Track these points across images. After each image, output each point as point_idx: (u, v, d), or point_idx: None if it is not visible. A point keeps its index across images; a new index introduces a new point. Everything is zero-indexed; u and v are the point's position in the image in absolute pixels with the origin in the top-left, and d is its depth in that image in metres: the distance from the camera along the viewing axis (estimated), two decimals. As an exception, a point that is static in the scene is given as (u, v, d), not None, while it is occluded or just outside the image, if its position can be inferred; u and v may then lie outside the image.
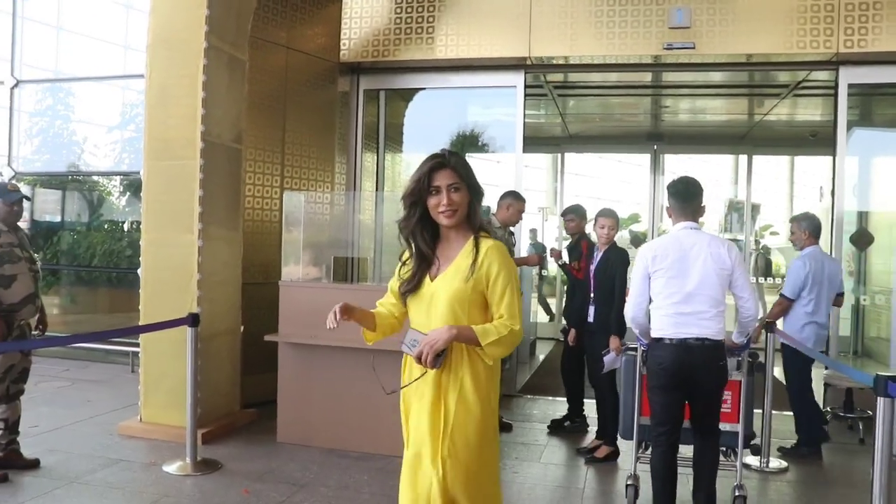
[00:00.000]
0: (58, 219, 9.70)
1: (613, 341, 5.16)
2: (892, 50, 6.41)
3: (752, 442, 4.46)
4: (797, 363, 5.51)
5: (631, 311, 3.95)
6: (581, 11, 6.81)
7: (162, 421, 5.60)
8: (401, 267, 2.75)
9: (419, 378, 2.59)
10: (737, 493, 4.12)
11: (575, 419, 6.18)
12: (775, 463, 5.30)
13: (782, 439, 5.90)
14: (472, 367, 2.56)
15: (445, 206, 2.52)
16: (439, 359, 2.48)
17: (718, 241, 3.86)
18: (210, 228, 5.65)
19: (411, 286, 2.65)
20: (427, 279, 2.63)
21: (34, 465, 4.86)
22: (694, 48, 6.59)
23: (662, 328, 3.79)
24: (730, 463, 4.21)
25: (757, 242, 17.79)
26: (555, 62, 7.20)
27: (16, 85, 8.97)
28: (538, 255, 6.71)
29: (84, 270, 9.22)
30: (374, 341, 2.81)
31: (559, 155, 11.77)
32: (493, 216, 5.95)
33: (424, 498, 2.54)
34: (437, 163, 2.55)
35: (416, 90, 8.22)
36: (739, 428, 4.11)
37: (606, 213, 5.38)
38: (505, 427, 5.99)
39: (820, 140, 10.83)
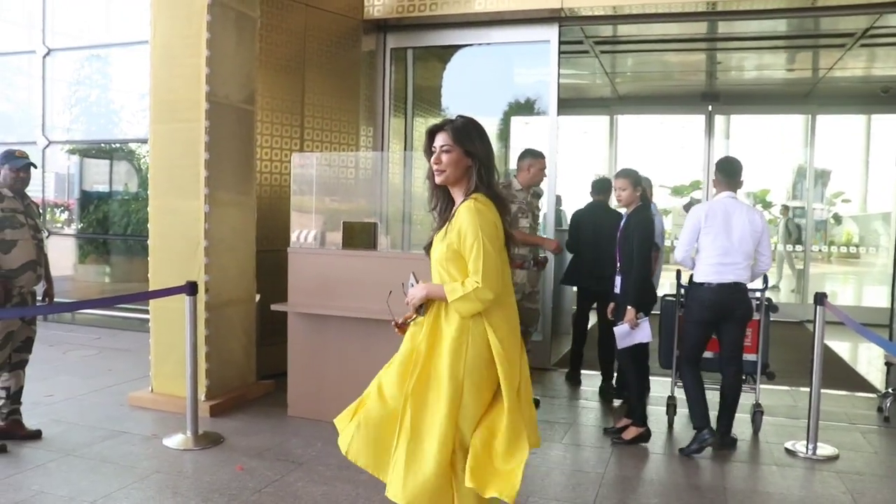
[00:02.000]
0: (96, 188, 9.68)
1: (628, 313, 4.76)
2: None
3: (768, 370, 5.30)
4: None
5: (680, 255, 4.90)
6: (618, -44, 6.28)
7: (172, 392, 5.42)
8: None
9: (412, 320, 2.86)
10: (755, 410, 5.26)
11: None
12: (824, 450, 4.80)
13: (836, 422, 5.40)
14: (448, 323, 2.70)
15: (435, 167, 2.73)
16: (421, 309, 2.77)
17: (753, 209, 4.91)
18: (218, 193, 5.41)
19: (427, 244, 2.89)
20: (435, 238, 2.83)
21: (36, 435, 4.74)
22: (742, -7, 6.00)
23: (706, 275, 4.72)
24: (750, 386, 5.27)
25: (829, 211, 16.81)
26: (590, 13, 6.66)
27: (47, 53, 8.91)
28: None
29: (119, 239, 9.17)
30: None
31: (609, 118, 11.18)
32: (515, 178, 5.55)
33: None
34: (436, 126, 2.79)
35: (447, 48, 7.79)
36: (758, 357, 5.24)
37: (619, 174, 4.96)
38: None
39: (894, 97, 10.01)
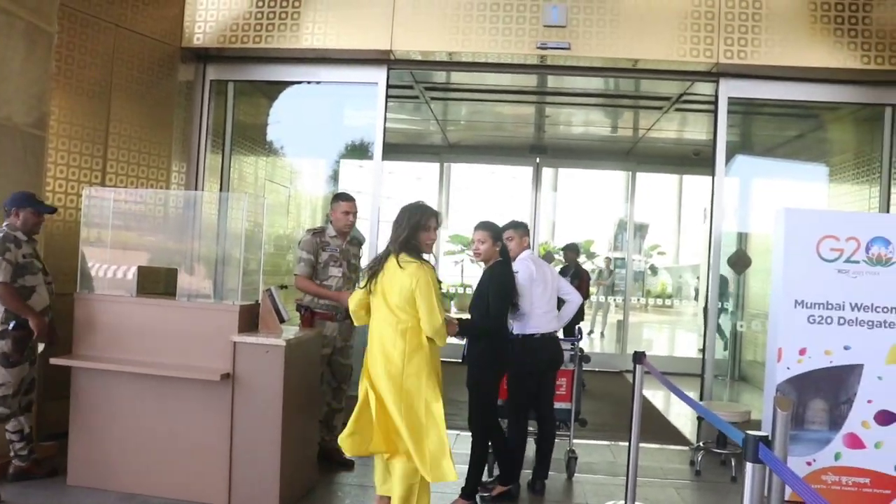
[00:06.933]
0: None
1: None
2: (772, 64, 6.08)
3: (580, 417, 5.46)
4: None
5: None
6: (449, 3, 6.20)
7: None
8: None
9: None
10: (569, 457, 5.40)
11: None
12: (639, 508, 4.76)
13: (651, 478, 5.42)
14: None
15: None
16: None
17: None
18: (-5, 227, 4.72)
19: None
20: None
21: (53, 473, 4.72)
22: (569, 49, 6.08)
23: (538, 326, 4.88)
24: (564, 433, 5.43)
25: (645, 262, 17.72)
26: (419, 58, 6.54)
27: None
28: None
29: None
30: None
31: (440, 165, 11.18)
32: (330, 224, 5.30)
33: None
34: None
35: (272, 83, 7.41)
36: (572, 405, 5.37)
37: (478, 226, 4.67)
38: (346, 465, 5.28)
39: (703, 160, 10.65)
